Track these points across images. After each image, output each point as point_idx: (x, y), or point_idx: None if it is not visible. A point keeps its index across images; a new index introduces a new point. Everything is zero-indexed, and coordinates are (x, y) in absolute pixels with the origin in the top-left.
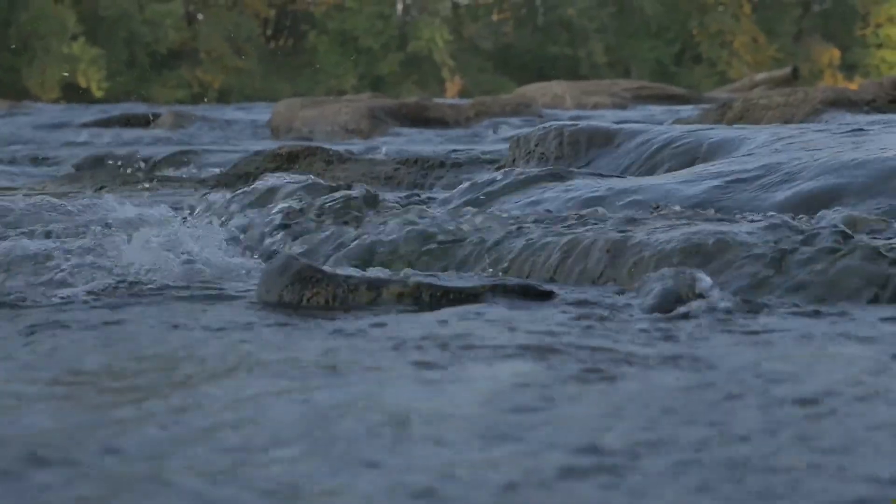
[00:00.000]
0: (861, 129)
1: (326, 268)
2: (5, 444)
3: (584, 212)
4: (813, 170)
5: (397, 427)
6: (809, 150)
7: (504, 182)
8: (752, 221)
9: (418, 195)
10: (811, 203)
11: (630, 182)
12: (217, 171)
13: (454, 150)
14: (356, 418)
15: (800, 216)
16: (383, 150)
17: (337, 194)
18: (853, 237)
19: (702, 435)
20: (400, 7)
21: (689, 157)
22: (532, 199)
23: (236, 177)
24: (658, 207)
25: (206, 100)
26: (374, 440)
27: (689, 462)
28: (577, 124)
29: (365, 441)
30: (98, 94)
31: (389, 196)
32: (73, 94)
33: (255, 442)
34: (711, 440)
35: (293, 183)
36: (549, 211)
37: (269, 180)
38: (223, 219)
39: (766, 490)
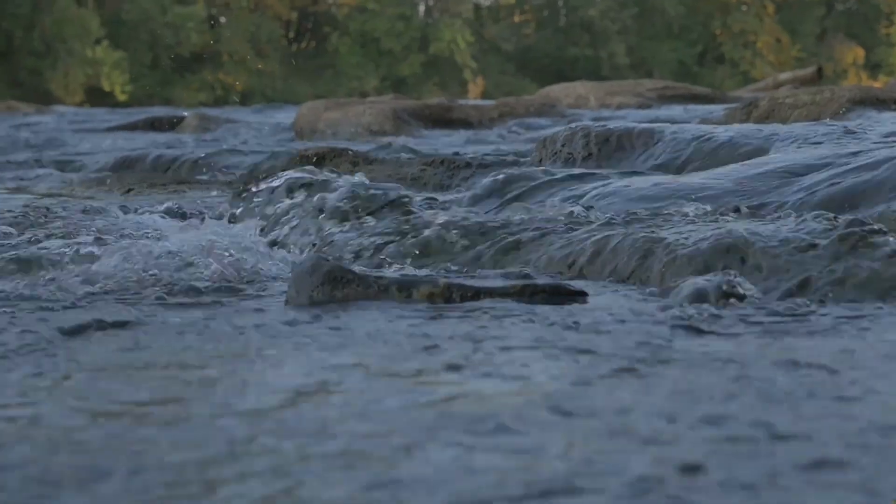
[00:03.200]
0: (891, 128)
1: (356, 268)
2: (47, 447)
3: (613, 211)
4: (846, 168)
5: (431, 428)
6: (840, 148)
7: (532, 182)
8: (784, 220)
9: (446, 196)
10: (845, 201)
11: (659, 181)
12: (244, 172)
13: (480, 152)
14: (388, 419)
15: (834, 214)
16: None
17: (366, 193)
18: (888, 235)
19: (739, 434)
20: (421, 8)
21: (719, 156)
22: (560, 198)
23: (263, 179)
24: (689, 206)
25: (228, 102)
26: (403, 440)
27: (728, 463)
28: (604, 124)
29: (395, 442)
30: (121, 97)
31: (417, 197)
32: (97, 97)
33: (287, 444)
34: (750, 439)
35: (319, 180)
36: (578, 210)
37: (294, 176)
38: (252, 219)
39: (806, 485)
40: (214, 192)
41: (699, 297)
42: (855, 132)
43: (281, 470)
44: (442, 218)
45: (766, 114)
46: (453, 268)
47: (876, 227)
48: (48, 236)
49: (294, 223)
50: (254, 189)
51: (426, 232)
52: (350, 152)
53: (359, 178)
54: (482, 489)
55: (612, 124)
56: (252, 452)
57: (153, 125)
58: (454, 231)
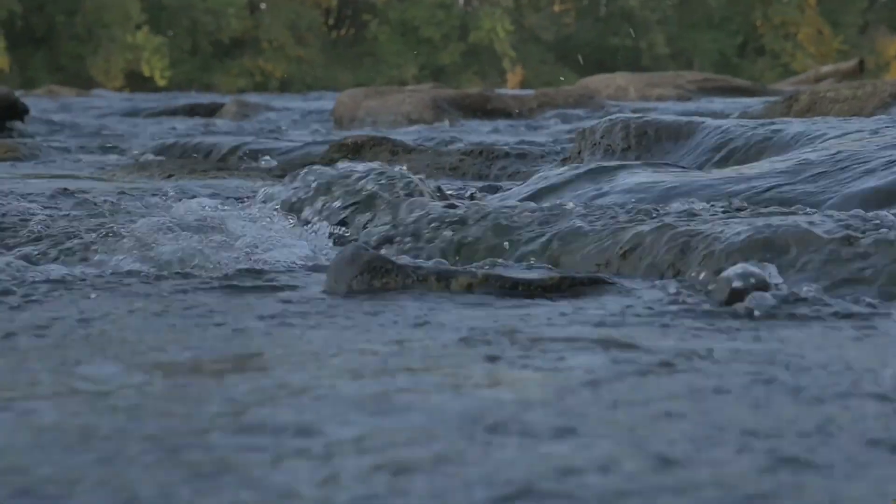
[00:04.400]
0: None
1: (395, 258)
2: (91, 434)
3: (652, 204)
4: (888, 163)
5: (467, 418)
6: (882, 143)
7: (571, 174)
8: (823, 215)
9: (484, 186)
10: (884, 197)
11: (699, 175)
12: (283, 160)
13: (518, 142)
14: (425, 408)
15: (872, 210)
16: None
17: (403, 183)
18: None
19: (776, 428)
20: None
21: (760, 150)
22: (599, 191)
23: (302, 166)
24: (727, 200)
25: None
26: (443, 431)
27: (763, 457)
28: (643, 116)
29: (434, 432)
30: (161, 82)
31: (455, 187)
32: (137, 82)
33: (326, 430)
34: (785, 433)
35: (362, 170)
36: (616, 203)
37: (338, 167)
38: (292, 207)
39: (847, 485)
40: (254, 179)
41: (737, 291)
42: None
43: (314, 454)
44: (481, 210)
45: (807, 108)
46: (491, 260)
47: None
48: (93, 219)
49: (334, 212)
50: (295, 177)
51: (465, 223)
52: (389, 141)
53: (400, 169)
54: (517, 480)
55: (651, 116)
56: (288, 432)
57: (193, 111)
58: (493, 223)
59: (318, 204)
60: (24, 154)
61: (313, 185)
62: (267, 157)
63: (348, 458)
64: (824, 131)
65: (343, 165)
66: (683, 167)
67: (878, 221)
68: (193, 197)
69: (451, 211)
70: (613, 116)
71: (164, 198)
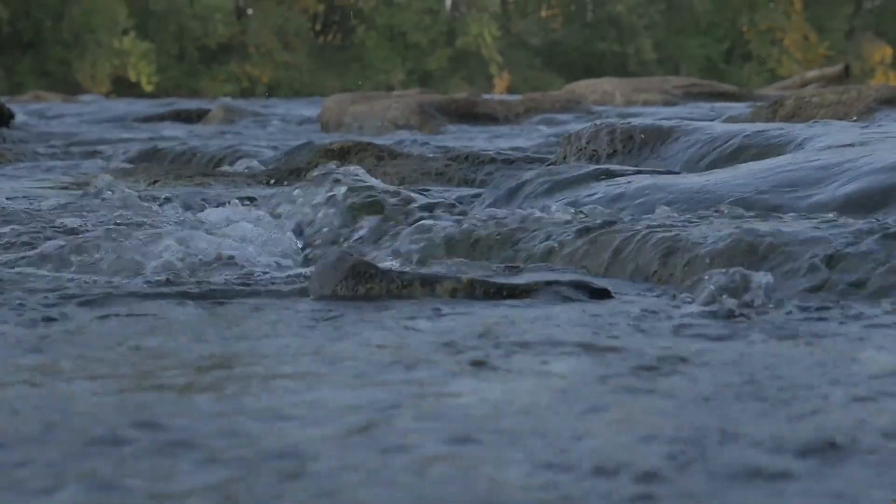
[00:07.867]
0: None
1: (380, 263)
2: (77, 432)
3: (636, 209)
4: (869, 168)
5: (451, 422)
6: (865, 148)
7: (556, 179)
8: (807, 220)
9: (470, 192)
10: (867, 202)
11: (683, 180)
12: (269, 165)
13: (504, 147)
14: (410, 414)
15: (856, 215)
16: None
17: (388, 189)
18: None
19: (757, 434)
20: (448, 2)
21: (744, 155)
22: (584, 196)
23: (288, 171)
24: (712, 205)
25: (254, 94)
26: (427, 435)
27: (742, 461)
28: (629, 121)
29: (418, 436)
30: (148, 87)
31: (441, 192)
32: (124, 87)
33: (310, 436)
34: (766, 438)
35: (345, 177)
36: (601, 208)
37: (323, 174)
38: (276, 212)
39: (825, 484)
40: (239, 185)
41: (720, 296)
42: (881, 132)
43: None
44: (466, 215)
45: (792, 112)
46: (476, 264)
47: None
48: (76, 227)
49: (318, 218)
50: (278, 182)
51: (450, 229)
52: (375, 146)
53: (382, 175)
54: (497, 485)
55: (637, 121)
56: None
57: (179, 116)
58: (478, 228)
59: (304, 209)
60: (10, 159)
61: (299, 189)
62: (253, 163)
63: (332, 459)
64: (810, 136)
65: (332, 172)
66: (669, 172)
67: (861, 226)
68: (179, 202)
69: (438, 217)
70: (599, 121)
71: (149, 203)
